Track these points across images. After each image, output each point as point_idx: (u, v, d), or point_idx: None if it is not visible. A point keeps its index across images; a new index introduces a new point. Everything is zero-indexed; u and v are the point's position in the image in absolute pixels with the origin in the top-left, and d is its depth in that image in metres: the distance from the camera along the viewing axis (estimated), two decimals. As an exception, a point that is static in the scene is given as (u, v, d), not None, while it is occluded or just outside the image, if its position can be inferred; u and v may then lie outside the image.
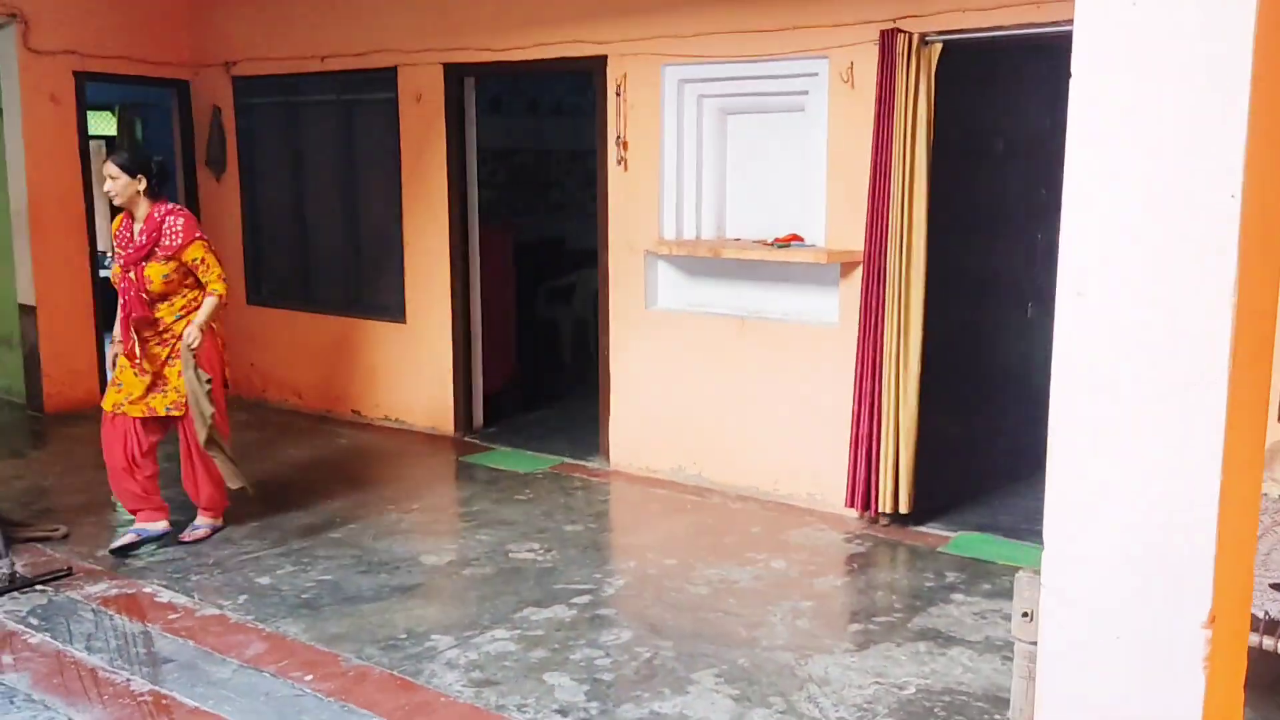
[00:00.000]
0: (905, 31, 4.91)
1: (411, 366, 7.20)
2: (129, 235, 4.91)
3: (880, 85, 5.00)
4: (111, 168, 4.85)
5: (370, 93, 7.16)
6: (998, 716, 3.50)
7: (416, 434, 7.14)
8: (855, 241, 5.28)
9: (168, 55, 7.90)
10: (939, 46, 4.87)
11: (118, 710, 3.54)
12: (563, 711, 3.53)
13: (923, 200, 4.95)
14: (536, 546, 5.05)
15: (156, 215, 4.87)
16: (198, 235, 4.91)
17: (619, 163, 6.09)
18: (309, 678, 3.75)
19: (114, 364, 5.02)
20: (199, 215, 8.18)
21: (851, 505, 5.33)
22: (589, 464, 6.41)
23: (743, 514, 5.51)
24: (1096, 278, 1.77)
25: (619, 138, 6.05)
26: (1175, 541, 1.74)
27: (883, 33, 4.97)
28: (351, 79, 7.21)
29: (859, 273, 5.26)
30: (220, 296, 4.91)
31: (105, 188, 4.88)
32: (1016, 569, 4.61)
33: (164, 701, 3.59)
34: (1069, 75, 1.72)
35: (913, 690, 3.67)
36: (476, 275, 7.06)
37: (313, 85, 7.43)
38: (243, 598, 4.44)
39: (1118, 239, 1.71)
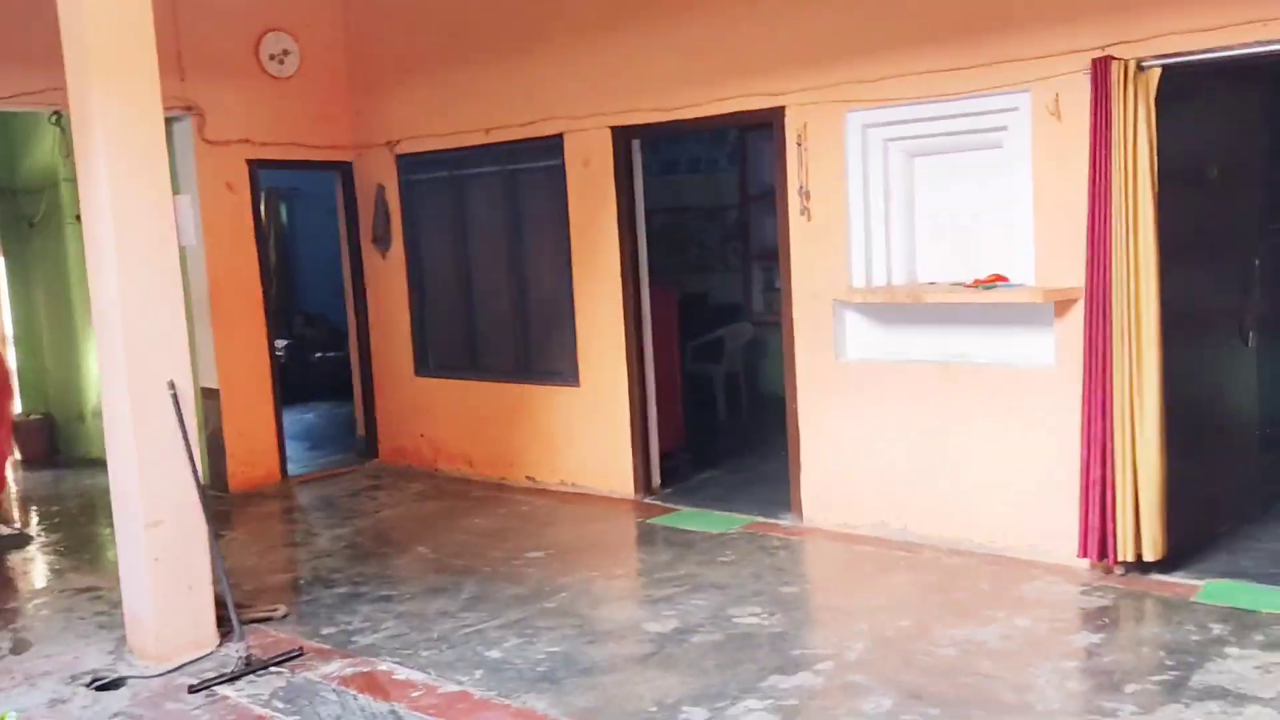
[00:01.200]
0: (1119, 58, 4.73)
1: (587, 429, 7.15)
2: None
3: (1095, 115, 4.81)
4: None
5: (536, 160, 7.22)
6: (1329, 783, 3.20)
7: (596, 498, 7.06)
8: (1071, 278, 5.06)
9: (332, 139, 8.11)
10: (1157, 71, 4.68)
11: (388, 795, 3.46)
12: (848, 787, 3.34)
13: (1149, 232, 4.73)
14: (758, 610, 4.88)
15: None
16: None
17: (802, 213, 5.98)
18: (571, 756, 3.64)
19: None
20: (365, 291, 8.36)
21: (1085, 555, 5.04)
22: (781, 522, 6.24)
23: (963, 569, 5.27)
24: None
25: (801, 188, 5.95)
26: None
27: (1095, 61, 4.79)
28: (516, 148, 7.29)
29: (1078, 310, 5.04)
30: None
31: None
32: (1284, 617, 4.31)
33: (431, 785, 3.50)
34: None
35: (1224, 755, 3.39)
36: (649, 335, 7.01)
37: (476, 157, 7.53)
38: (479, 672, 4.36)
39: None
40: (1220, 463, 5.50)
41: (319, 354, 11.89)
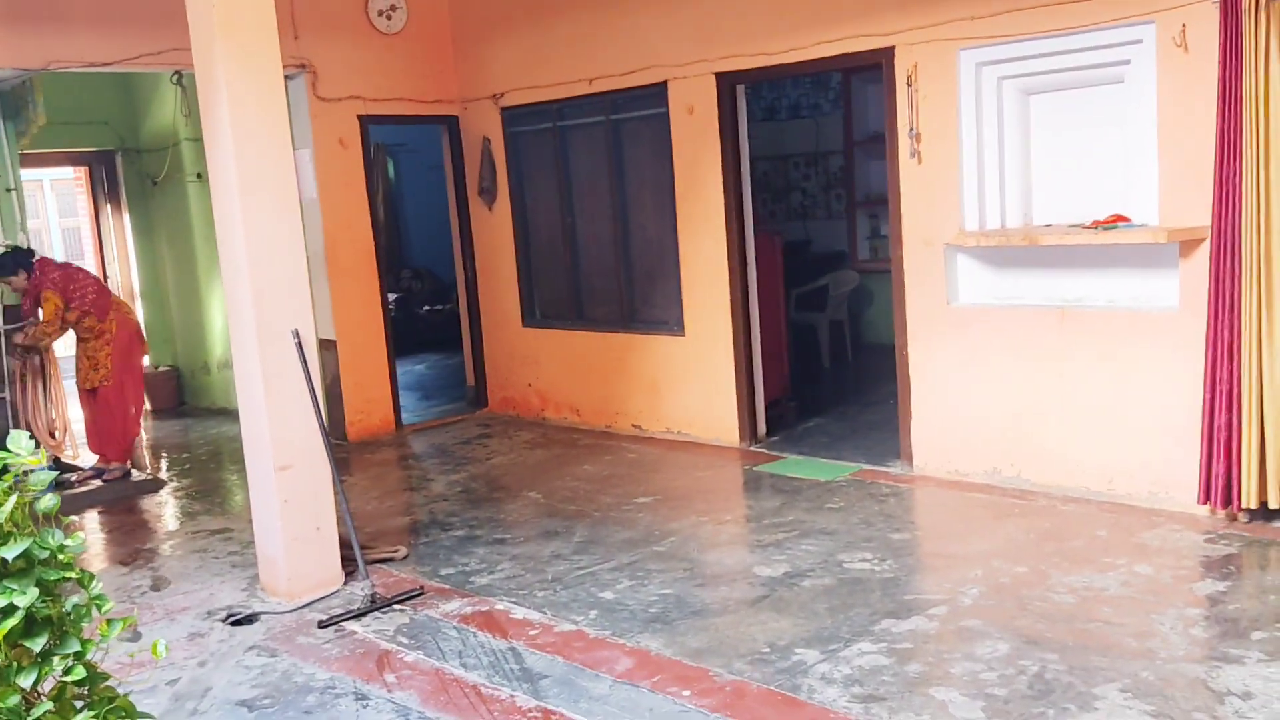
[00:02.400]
0: (1253, -15, 4.50)
1: (693, 378, 7.18)
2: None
3: (1224, 47, 4.60)
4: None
5: (639, 109, 7.22)
6: None
7: (702, 445, 7.11)
8: (1197, 218, 4.88)
9: (438, 93, 8.22)
10: (1294, -3, 4.44)
11: (511, 726, 3.59)
12: (964, 728, 3.35)
13: (1281, 167, 4.52)
14: (869, 556, 4.88)
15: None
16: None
17: (912, 155, 5.87)
18: (686, 693, 3.71)
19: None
20: (473, 244, 8.49)
21: (1206, 501, 4.91)
22: (890, 469, 6.20)
23: (1078, 517, 5.18)
24: None
25: (912, 129, 5.84)
26: None
27: (1225, -12, 4.58)
28: (619, 98, 7.29)
29: (1203, 251, 4.86)
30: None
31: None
32: None
33: (553, 717, 3.62)
34: None
35: (1359, 705, 3.29)
36: (754, 284, 6.99)
37: (580, 108, 7.56)
38: (593, 613, 4.46)
39: None
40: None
41: (426, 307, 12.16)
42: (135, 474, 7.19)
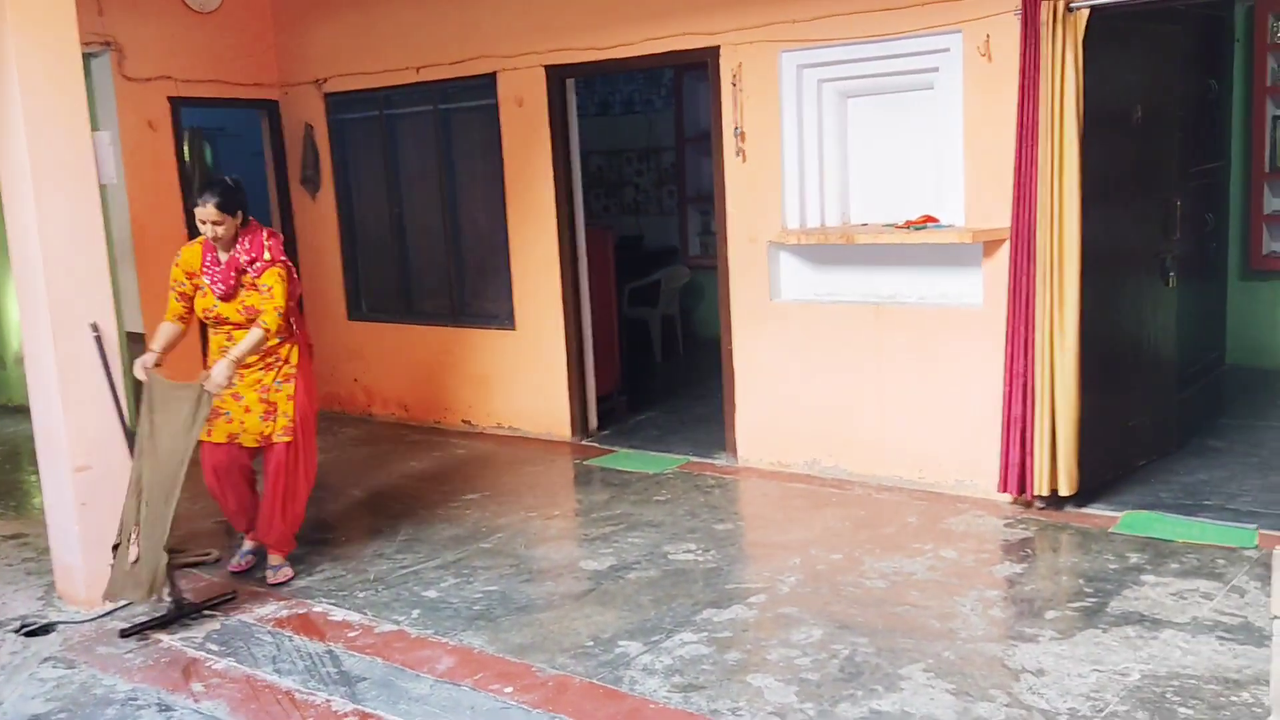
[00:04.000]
0: (1050, 0, 4.78)
1: (524, 372, 7.14)
2: (218, 264, 4.62)
3: (1024, 56, 4.87)
4: (213, 211, 4.50)
5: (468, 100, 7.12)
6: (1232, 698, 3.37)
7: (532, 440, 7.08)
8: (999, 219, 5.15)
9: (257, 76, 7.90)
10: (1085, 13, 4.73)
11: (326, 732, 3.48)
12: (779, 714, 3.43)
13: (1074, 174, 4.82)
14: (693, 547, 4.96)
15: (252, 241, 4.61)
16: (282, 259, 4.66)
17: (737, 154, 5.99)
18: (509, 690, 3.68)
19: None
20: (294, 235, 8.19)
21: (1005, 489, 5.19)
22: (716, 461, 6.32)
23: (891, 505, 5.40)
24: None
25: (736, 128, 5.95)
26: None
27: (1025, 2, 4.83)
28: (448, 87, 7.17)
29: (1004, 251, 5.13)
30: (267, 332, 4.49)
31: (207, 233, 4.55)
32: (1196, 547, 4.50)
33: (370, 721, 3.53)
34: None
35: (1136, 676, 3.54)
36: (585, 278, 7.00)
37: (408, 96, 7.40)
38: (415, 612, 4.38)
39: None
40: (1139, 399, 5.67)
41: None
42: (-82, 477, 6.65)
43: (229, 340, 4.67)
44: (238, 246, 4.62)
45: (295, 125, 7.98)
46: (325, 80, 7.72)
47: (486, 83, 6.94)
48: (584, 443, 6.94)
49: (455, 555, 5.01)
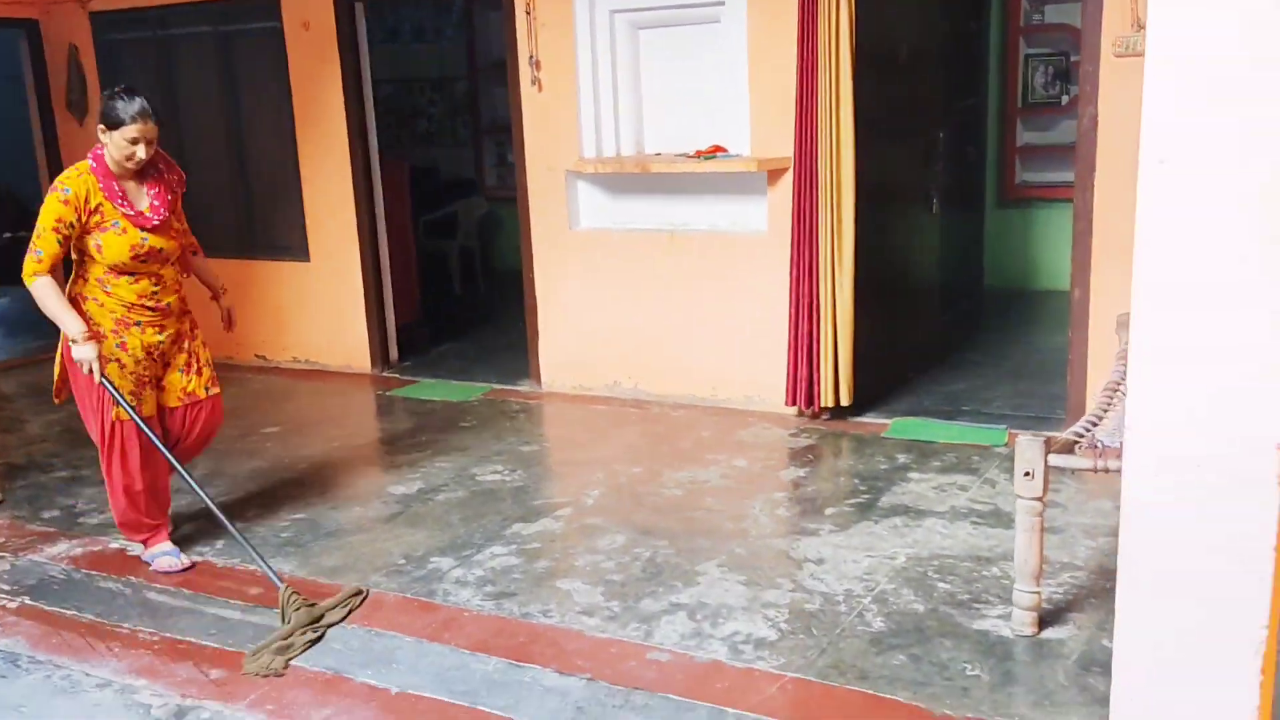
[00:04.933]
0: (826, -60, 5.05)
1: (320, 305, 7.03)
2: (128, 196, 3.88)
3: (803, -6, 5.14)
4: (154, 127, 3.81)
5: (250, 21, 6.85)
6: (983, 572, 3.82)
7: (331, 373, 7.01)
8: (782, 150, 5.45)
9: (12, -10, 7.33)
10: (859, -47, 5.04)
11: (134, 660, 3.45)
12: (587, 613, 3.65)
13: (849, 107, 5.15)
14: (500, 468, 5.10)
15: (162, 164, 3.99)
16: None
17: (533, 83, 6.06)
18: (322, 610, 3.74)
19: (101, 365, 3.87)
20: (60, 164, 7.69)
21: (793, 403, 5.57)
22: (520, 388, 6.46)
23: (687, 421, 5.70)
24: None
25: (532, 57, 6.01)
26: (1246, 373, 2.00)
27: (804, -58, 5.09)
28: (229, 9, 6.88)
29: (787, 180, 5.45)
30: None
31: (140, 155, 3.80)
32: (955, 446, 5.00)
33: (180, 647, 3.53)
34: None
35: (903, 559, 3.95)
36: (381, 209, 6.93)
37: (184, 16, 7.04)
38: (220, 543, 4.34)
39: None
40: (908, 318, 6.17)
41: (7, 234, 10.84)
42: None
43: (156, 285, 3.99)
44: (162, 174, 3.98)
45: (58, 46, 7.46)
46: (90, -2, 7.24)
47: (270, 5, 6.70)
48: (385, 374, 6.93)
49: (258, 486, 4.97)
